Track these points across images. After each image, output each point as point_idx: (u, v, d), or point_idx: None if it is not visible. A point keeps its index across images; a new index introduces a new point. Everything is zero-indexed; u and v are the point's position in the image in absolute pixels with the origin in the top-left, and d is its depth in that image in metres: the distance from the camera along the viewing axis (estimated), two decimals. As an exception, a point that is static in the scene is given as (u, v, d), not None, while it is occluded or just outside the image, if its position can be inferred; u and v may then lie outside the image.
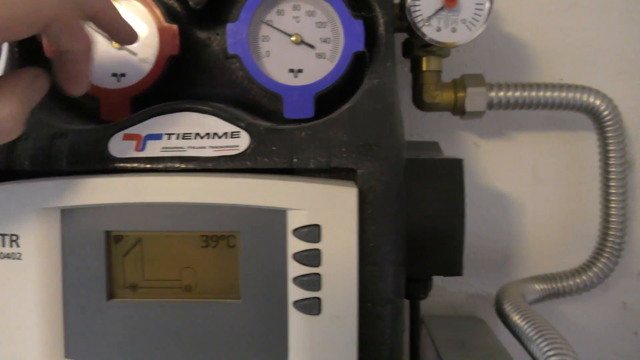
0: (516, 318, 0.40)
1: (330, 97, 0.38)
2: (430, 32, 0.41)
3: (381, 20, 0.38)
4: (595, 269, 0.52)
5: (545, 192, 0.59)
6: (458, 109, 0.48)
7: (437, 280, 0.60)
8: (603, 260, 0.52)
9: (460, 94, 0.48)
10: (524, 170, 0.59)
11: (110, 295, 0.32)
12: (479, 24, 0.41)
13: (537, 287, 0.52)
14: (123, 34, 0.33)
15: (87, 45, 0.29)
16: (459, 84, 0.48)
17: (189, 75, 0.40)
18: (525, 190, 0.59)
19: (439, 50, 0.46)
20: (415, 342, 0.43)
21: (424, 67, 0.47)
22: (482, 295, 0.60)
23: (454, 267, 0.40)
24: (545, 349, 0.34)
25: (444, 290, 0.60)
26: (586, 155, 0.58)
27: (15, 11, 0.24)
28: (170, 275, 0.32)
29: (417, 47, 0.46)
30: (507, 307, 0.42)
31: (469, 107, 0.47)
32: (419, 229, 0.37)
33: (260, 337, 0.32)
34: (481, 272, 0.60)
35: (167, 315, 0.32)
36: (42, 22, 0.25)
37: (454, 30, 0.41)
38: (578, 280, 0.52)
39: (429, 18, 0.41)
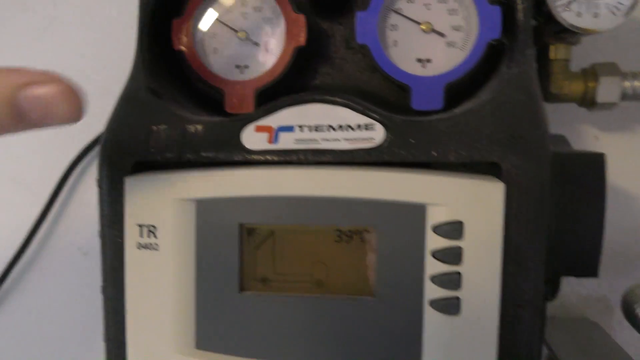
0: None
1: (458, 87, 0.36)
2: (570, 17, 0.38)
3: (520, 6, 0.35)
4: None
5: (671, 191, 0.54)
6: (587, 100, 0.45)
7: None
8: None
9: (591, 84, 0.44)
10: (649, 166, 0.55)
11: (242, 288, 0.32)
12: (624, 8, 0.38)
13: (667, 292, 0.48)
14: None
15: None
16: (590, 73, 0.45)
17: (311, 67, 0.40)
18: (649, 188, 0.55)
19: (571, 37, 0.43)
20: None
21: (552, 56, 0.44)
22: (595, 297, 0.57)
23: (589, 269, 0.37)
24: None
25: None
26: None
27: None
28: (302, 269, 0.31)
29: (546, 34, 0.43)
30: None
31: (600, 97, 0.44)
32: (554, 227, 0.35)
33: (393, 336, 0.31)
34: (597, 273, 0.56)
35: (297, 310, 0.31)
36: None
37: (595, 15, 0.38)
38: None
39: (569, 3, 0.38)
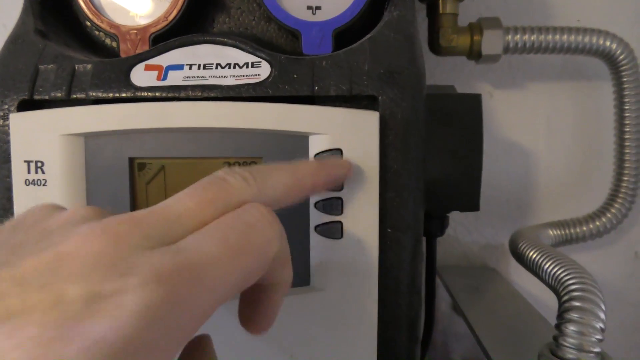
0: (532, 254, 0.40)
1: (348, 34, 0.38)
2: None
3: (401, -46, 0.37)
4: (609, 215, 0.52)
5: (559, 143, 0.59)
6: (474, 53, 0.48)
7: (450, 231, 0.61)
8: (617, 205, 0.52)
9: (476, 37, 0.47)
10: (538, 120, 0.59)
11: (135, 222, 0.32)
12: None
13: (551, 232, 0.52)
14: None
15: (291, 272, 0.25)
16: (475, 27, 0.48)
17: (208, 16, 0.40)
18: (539, 141, 0.59)
19: (456, -9, 0.45)
20: (431, 281, 0.43)
21: (441, 10, 0.47)
22: (494, 245, 0.61)
23: (471, 203, 0.40)
24: (565, 278, 0.34)
25: (457, 241, 0.61)
26: (601, 106, 0.58)
27: (248, 262, 0.21)
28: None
29: (434, -12, 0.46)
30: (523, 245, 0.42)
31: (485, 50, 0.47)
32: (437, 164, 0.38)
33: (283, 263, 0.32)
34: (494, 222, 0.60)
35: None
36: (269, 262, 0.22)
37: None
38: (592, 226, 0.53)
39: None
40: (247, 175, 0.23)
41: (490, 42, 0.47)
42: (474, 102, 0.39)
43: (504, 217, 0.60)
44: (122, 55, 0.38)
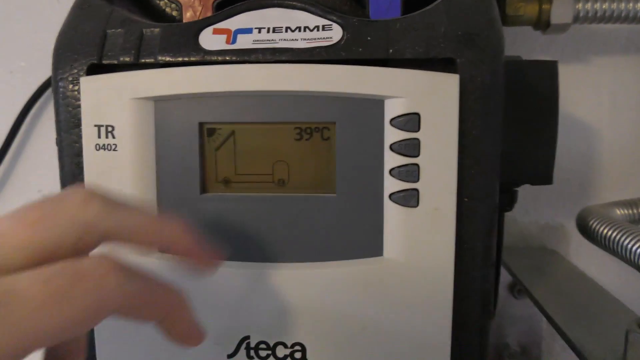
0: (607, 231, 0.38)
1: (416, -1, 0.37)
2: None
3: None
4: (681, 194, 0.50)
5: (624, 119, 0.56)
6: (542, 23, 0.46)
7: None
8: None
9: (545, 6, 0.45)
10: (603, 96, 0.56)
11: (204, 189, 0.32)
12: None
13: (618, 212, 0.50)
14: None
15: (176, 303, 0.23)
16: (544, -5, 0.46)
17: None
18: (603, 117, 0.56)
19: (524, -43, 0.43)
20: (498, 257, 0.42)
21: (508, -23, 0.45)
22: (553, 226, 0.59)
23: (545, 176, 0.38)
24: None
25: (514, 221, 0.59)
26: (669, 80, 0.55)
27: (73, 313, 0.18)
28: (264, 169, 0.32)
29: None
30: (595, 223, 0.40)
31: (554, 19, 0.45)
32: (509, 134, 0.36)
33: (355, 231, 0.31)
34: (553, 202, 0.58)
35: (260, 210, 0.32)
36: (106, 315, 0.19)
37: None
38: (662, 206, 0.50)
39: None
40: (91, 197, 0.20)
41: (561, 11, 0.45)
42: (550, 70, 0.37)
43: (564, 197, 0.58)
44: (185, 22, 0.37)
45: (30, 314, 0.17)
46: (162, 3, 0.40)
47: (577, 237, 0.55)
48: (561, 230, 0.58)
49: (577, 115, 0.56)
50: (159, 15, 0.39)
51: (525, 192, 0.58)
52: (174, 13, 0.40)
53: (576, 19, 0.46)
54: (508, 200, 0.40)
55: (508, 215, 0.59)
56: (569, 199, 0.58)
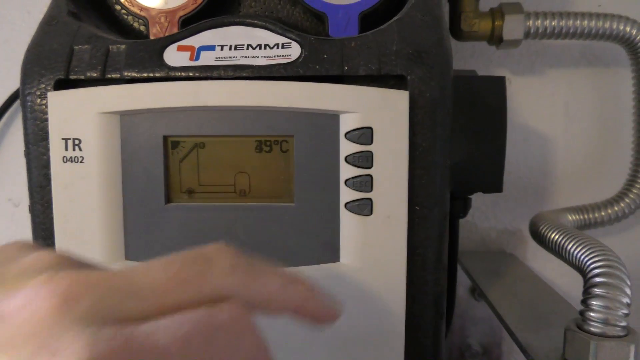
0: (554, 235, 0.41)
1: (372, 18, 0.39)
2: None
3: (426, -63, 0.38)
4: (627, 200, 0.53)
5: (577, 129, 0.59)
6: (495, 38, 0.48)
7: (467, 217, 0.61)
8: (635, 191, 0.53)
9: (498, 22, 0.48)
10: (557, 106, 0.59)
11: (168, 199, 0.33)
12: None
13: (570, 217, 0.52)
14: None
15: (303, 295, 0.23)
16: (497, 12, 0.48)
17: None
18: (557, 126, 0.59)
19: (479, -24, 0.46)
20: (453, 261, 0.44)
21: (463, -5, 0.47)
22: (511, 230, 0.61)
23: (495, 184, 0.40)
24: (590, 256, 0.34)
25: (474, 227, 0.61)
26: (620, 92, 0.58)
27: None
28: (226, 179, 0.33)
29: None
30: (544, 228, 0.43)
31: (506, 35, 0.48)
32: (461, 146, 0.38)
33: (313, 239, 0.33)
34: (511, 208, 0.61)
35: (222, 219, 0.33)
36: None
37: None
38: (610, 211, 0.53)
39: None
40: (237, 263, 0.20)
41: (512, 27, 0.48)
42: (498, 84, 0.39)
43: (521, 203, 0.60)
44: (152, 37, 0.38)
45: None
46: (129, 18, 0.41)
47: (533, 241, 0.58)
48: (519, 235, 0.61)
49: (533, 126, 0.59)
50: (126, 31, 0.41)
51: (485, 199, 0.61)
52: (141, 28, 0.41)
53: (527, 34, 0.49)
54: (462, 207, 0.42)
55: (469, 221, 0.61)
56: (526, 205, 0.60)
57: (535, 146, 0.59)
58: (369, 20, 0.38)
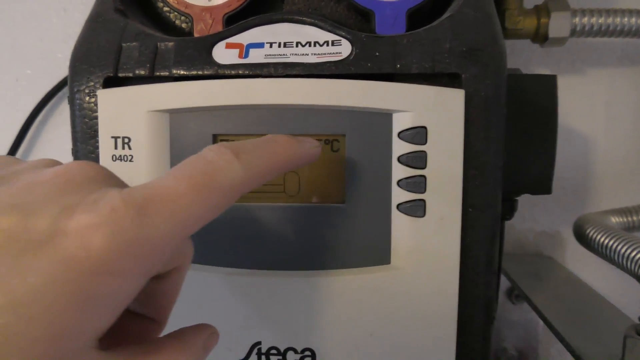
0: (603, 238, 0.40)
1: (418, 15, 0.38)
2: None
3: None
4: (674, 202, 0.51)
5: (618, 129, 0.58)
6: (540, 36, 0.47)
7: (505, 218, 0.60)
8: (682, 193, 0.51)
9: (543, 20, 0.47)
10: (598, 107, 0.58)
11: (216, 199, 0.33)
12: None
13: (614, 219, 0.51)
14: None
15: (287, 147, 0.26)
16: (542, 10, 0.47)
17: (277, -5, 0.40)
18: (598, 127, 0.58)
19: (524, -27, 0.45)
20: (499, 264, 0.43)
21: (508, -8, 0.46)
22: (550, 233, 0.60)
23: (544, 185, 0.39)
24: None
25: (512, 228, 0.60)
26: (662, 91, 0.57)
27: (212, 198, 0.21)
28: (275, 179, 0.33)
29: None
30: (592, 230, 0.42)
31: (552, 33, 0.47)
32: (510, 145, 0.37)
33: (364, 240, 0.32)
34: (549, 210, 0.59)
35: (271, 219, 0.33)
36: (233, 199, 0.23)
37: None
38: (655, 214, 0.52)
39: None
40: (233, 155, 0.22)
41: (558, 25, 0.46)
42: (549, 83, 0.38)
43: (560, 205, 0.59)
44: (196, 34, 0.38)
45: (181, 205, 0.20)
46: (172, 15, 0.41)
47: (572, 244, 0.57)
48: (557, 237, 0.60)
49: (573, 125, 0.58)
50: (169, 28, 0.40)
51: (522, 200, 0.60)
52: (184, 25, 0.41)
53: (573, 32, 0.48)
54: (508, 209, 0.41)
55: (506, 222, 0.60)
56: (565, 207, 0.59)
57: (575, 146, 0.58)
58: (415, 17, 0.38)
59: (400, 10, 0.37)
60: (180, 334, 0.24)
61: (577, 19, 0.47)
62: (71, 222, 0.17)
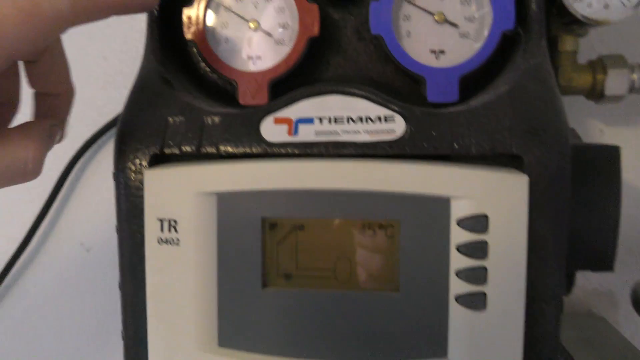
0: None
1: (472, 78, 0.36)
2: (581, 8, 0.38)
3: (533, -3, 0.35)
4: None
5: (674, 183, 0.55)
6: (596, 93, 0.45)
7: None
8: None
9: (599, 76, 0.44)
10: (655, 161, 0.55)
11: (265, 284, 0.31)
12: (635, 0, 0.38)
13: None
14: None
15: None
16: (598, 65, 0.45)
17: (322, 57, 0.39)
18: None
19: (579, 28, 0.43)
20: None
21: (560, 48, 0.44)
22: (602, 292, 0.57)
23: (605, 262, 0.37)
24: None
25: (561, 284, 0.57)
26: None
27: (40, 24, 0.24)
28: (326, 264, 0.31)
29: (554, 25, 0.43)
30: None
31: (609, 90, 0.44)
32: (571, 218, 0.35)
33: (418, 332, 0.31)
34: (601, 266, 0.56)
35: (321, 306, 0.31)
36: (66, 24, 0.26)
37: (606, 6, 0.38)
38: None
39: (581, -7, 0.38)
40: None
41: (615, 82, 0.44)
42: (612, 154, 0.36)
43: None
44: (241, 100, 0.37)
45: (11, 28, 0.23)
46: (217, 78, 0.40)
47: (626, 304, 0.54)
48: (610, 297, 0.57)
49: (627, 181, 0.55)
50: (213, 91, 0.39)
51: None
52: (229, 87, 0.40)
53: (631, 89, 0.45)
54: (567, 285, 0.39)
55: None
56: (618, 265, 0.56)
57: (629, 202, 0.55)
58: (468, 81, 0.36)
59: (453, 77, 0.36)
60: (26, 125, 0.28)
61: (635, 75, 0.45)
62: None
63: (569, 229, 0.34)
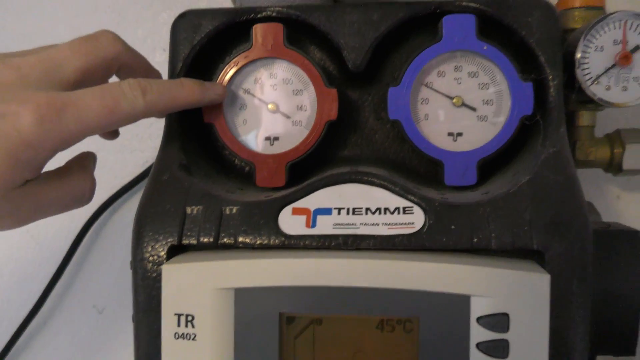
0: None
1: (490, 162, 0.36)
2: (599, 91, 0.38)
3: (552, 83, 0.35)
4: None
5: (694, 249, 0.54)
6: (614, 166, 0.45)
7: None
8: None
9: (617, 150, 0.44)
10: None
11: (281, 378, 0.31)
12: (653, 82, 0.38)
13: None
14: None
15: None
16: (615, 140, 0.45)
17: (340, 137, 0.39)
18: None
19: (596, 107, 0.43)
20: None
21: (578, 123, 0.44)
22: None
23: (626, 347, 0.36)
24: None
25: None
26: None
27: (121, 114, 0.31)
28: (343, 359, 0.31)
29: (572, 102, 0.43)
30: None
31: (627, 164, 0.44)
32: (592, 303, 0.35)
33: None
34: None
35: (338, 402, 0.31)
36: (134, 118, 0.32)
37: (624, 88, 0.38)
38: None
39: (598, 76, 0.38)
40: (140, 93, 0.31)
41: (634, 156, 0.44)
42: (634, 239, 0.36)
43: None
44: (259, 182, 0.37)
45: (91, 117, 0.29)
46: (236, 160, 0.40)
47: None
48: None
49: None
50: (233, 172, 0.40)
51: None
52: (247, 167, 0.40)
53: (649, 162, 0.45)
54: (587, 369, 0.38)
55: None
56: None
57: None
58: (485, 164, 0.36)
59: (471, 161, 0.36)
60: (81, 158, 0.36)
61: (653, 149, 0.45)
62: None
63: (591, 319, 0.33)
